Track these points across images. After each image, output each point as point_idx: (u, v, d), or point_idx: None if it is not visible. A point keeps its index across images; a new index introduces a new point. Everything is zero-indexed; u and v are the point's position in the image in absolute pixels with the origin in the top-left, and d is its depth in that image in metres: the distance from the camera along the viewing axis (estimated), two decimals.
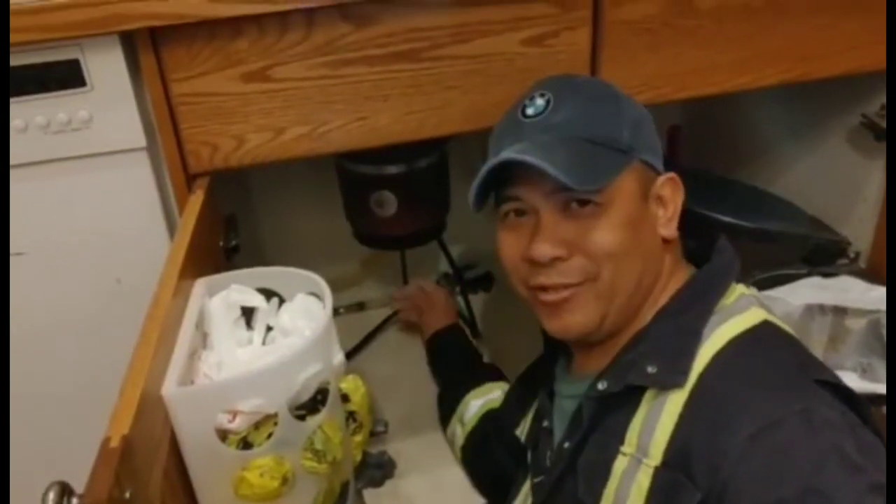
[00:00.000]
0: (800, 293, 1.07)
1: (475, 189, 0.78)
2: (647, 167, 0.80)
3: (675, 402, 0.70)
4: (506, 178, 0.79)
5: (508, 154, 0.75)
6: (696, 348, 0.72)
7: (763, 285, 1.07)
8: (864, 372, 1.06)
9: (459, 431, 1.09)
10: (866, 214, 1.16)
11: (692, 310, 0.76)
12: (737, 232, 1.08)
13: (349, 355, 1.32)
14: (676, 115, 1.51)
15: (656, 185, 0.81)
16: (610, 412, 0.76)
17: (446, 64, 0.91)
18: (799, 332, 1.02)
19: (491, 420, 1.06)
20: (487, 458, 1.05)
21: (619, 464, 0.73)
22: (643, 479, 0.70)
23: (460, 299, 1.46)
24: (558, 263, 0.77)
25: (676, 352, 0.73)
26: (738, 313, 0.75)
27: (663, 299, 0.80)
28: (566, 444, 0.81)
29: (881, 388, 1.01)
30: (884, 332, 1.03)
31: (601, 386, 0.76)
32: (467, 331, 1.33)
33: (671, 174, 0.82)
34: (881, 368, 1.05)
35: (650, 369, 0.73)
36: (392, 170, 1.17)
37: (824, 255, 1.16)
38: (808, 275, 1.11)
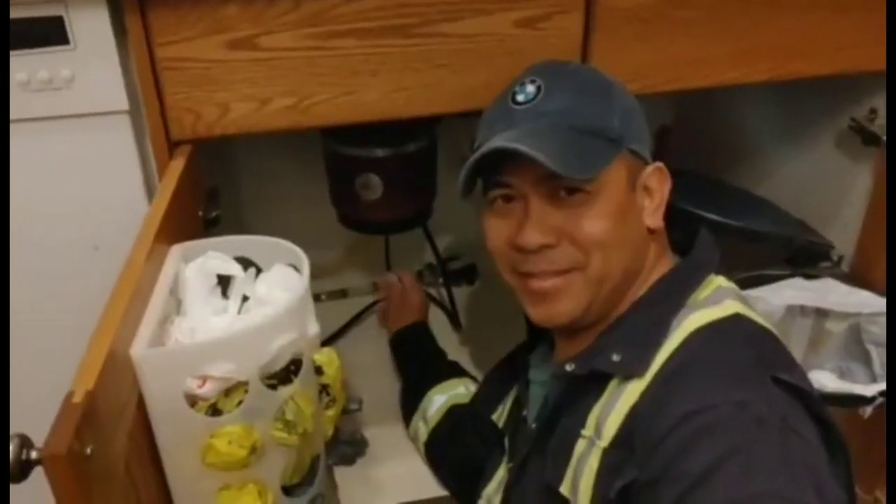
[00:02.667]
0: (782, 294, 1.07)
1: (464, 174, 0.78)
2: (635, 157, 0.80)
3: (634, 389, 0.72)
4: (494, 164, 0.78)
5: (501, 142, 0.75)
6: (662, 340, 0.73)
7: (746, 285, 1.06)
8: (843, 375, 1.05)
9: (423, 427, 1.09)
10: (851, 218, 1.16)
11: (666, 301, 0.77)
12: (722, 230, 1.07)
13: (329, 341, 1.31)
14: (666, 116, 1.51)
15: (644, 174, 0.81)
16: (579, 398, 0.77)
17: (437, 41, 0.90)
18: (780, 333, 1.02)
19: (458, 414, 1.06)
20: (453, 453, 1.05)
21: (579, 446, 0.75)
22: (594, 461, 0.72)
23: (443, 290, 1.45)
24: (546, 251, 0.77)
25: (642, 342, 0.74)
26: (710, 305, 0.75)
27: (644, 289, 0.80)
28: (533, 426, 0.83)
29: (859, 389, 1.00)
30: (864, 336, 1.03)
31: (568, 367, 0.78)
32: (431, 329, 1.31)
33: (658, 164, 0.82)
34: (860, 372, 1.05)
35: (615, 357, 0.74)
36: (379, 153, 1.15)
37: (808, 257, 1.16)
38: (791, 276, 1.11)
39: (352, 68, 0.90)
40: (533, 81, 0.79)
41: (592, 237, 0.76)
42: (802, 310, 1.06)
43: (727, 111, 1.42)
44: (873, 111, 1.10)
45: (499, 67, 0.91)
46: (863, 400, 1.00)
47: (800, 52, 1.00)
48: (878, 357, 1.01)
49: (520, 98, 0.79)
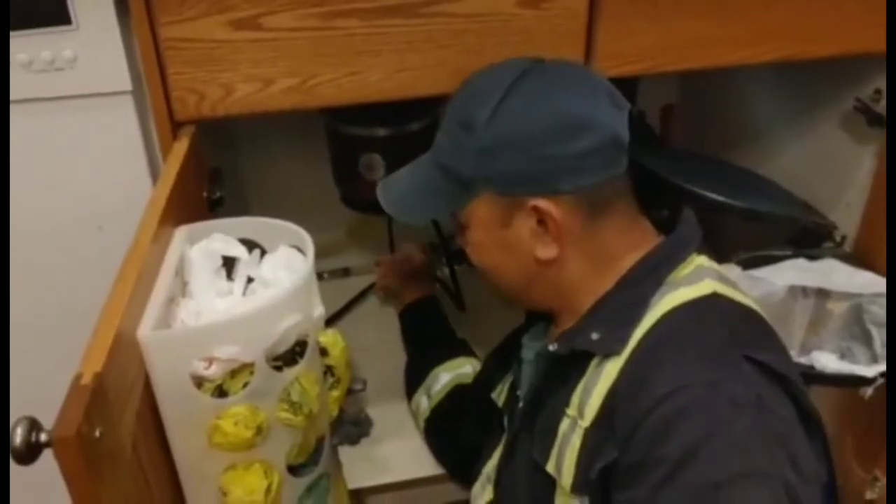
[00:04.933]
0: (784, 274, 1.06)
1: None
2: (504, 196, 0.76)
3: (612, 367, 0.72)
4: None
5: (378, 187, 0.87)
6: (640, 318, 0.73)
7: (748, 265, 1.07)
8: (844, 356, 1.06)
9: (425, 403, 1.09)
10: (854, 199, 1.15)
11: (645, 280, 0.77)
12: (725, 210, 1.07)
13: (331, 321, 1.31)
14: (670, 95, 1.50)
15: (526, 208, 0.75)
16: (565, 377, 0.78)
17: (441, 21, 0.89)
18: (781, 313, 1.02)
19: (462, 394, 1.07)
20: (453, 431, 1.05)
21: (563, 425, 0.76)
22: (576, 440, 0.73)
23: (446, 269, 1.45)
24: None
25: (620, 320, 0.74)
26: (688, 284, 0.75)
27: (624, 269, 0.80)
28: (521, 404, 0.85)
29: (859, 370, 1.01)
30: (865, 316, 1.04)
31: (551, 347, 0.79)
32: (442, 304, 1.31)
33: (537, 202, 0.74)
34: (861, 353, 1.05)
35: (594, 336, 0.75)
36: (382, 132, 1.15)
37: (810, 238, 1.16)
38: (794, 256, 1.11)
39: (355, 48, 0.89)
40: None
41: (475, 261, 0.83)
42: (804, 290, 1.06)
43: (732, 91, 1.41)
44: (878, 92, 1.09)
45: (503, 48, 0.91)
46: (863, 380, 1.01)
47: (806, 33, 0.99)
48: (879, 337, 1.02)
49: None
